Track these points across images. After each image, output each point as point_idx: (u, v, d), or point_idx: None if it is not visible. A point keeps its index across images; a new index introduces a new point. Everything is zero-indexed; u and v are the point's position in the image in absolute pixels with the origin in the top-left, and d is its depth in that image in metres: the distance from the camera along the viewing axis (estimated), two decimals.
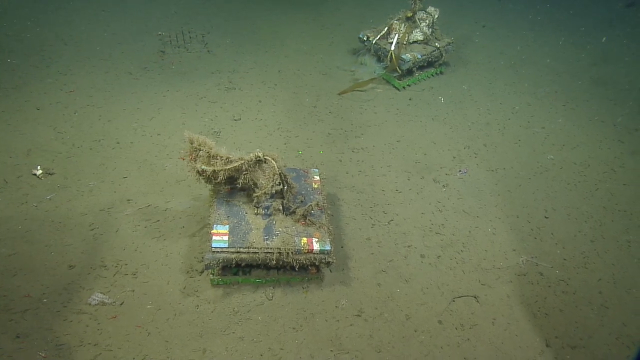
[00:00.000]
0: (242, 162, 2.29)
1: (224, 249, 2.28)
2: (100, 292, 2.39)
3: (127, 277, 2.48)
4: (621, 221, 3.13)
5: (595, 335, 2.45)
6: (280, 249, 2.31)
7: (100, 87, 3.82)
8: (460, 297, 2.58)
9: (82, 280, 2.43)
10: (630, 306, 2.60)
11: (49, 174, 3.01)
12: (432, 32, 4.34)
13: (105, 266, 2.52)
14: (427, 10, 4.28)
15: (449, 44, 4.36)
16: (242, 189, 2.49)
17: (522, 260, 2.81)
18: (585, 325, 2.49)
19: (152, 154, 3.27)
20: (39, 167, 3.01)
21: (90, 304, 2.33)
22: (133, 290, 2.42)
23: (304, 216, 2.44)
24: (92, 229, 2.70)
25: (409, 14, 4.18)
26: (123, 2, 4.99)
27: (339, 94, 4.05)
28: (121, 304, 2.36)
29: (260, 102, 3.88)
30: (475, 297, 2.59)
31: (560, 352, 2.36)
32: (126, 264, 2.54)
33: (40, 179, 2.97)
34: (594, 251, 2.90)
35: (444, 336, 2.39)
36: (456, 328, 2.43)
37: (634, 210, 3.21)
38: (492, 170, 3.47)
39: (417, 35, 4.28)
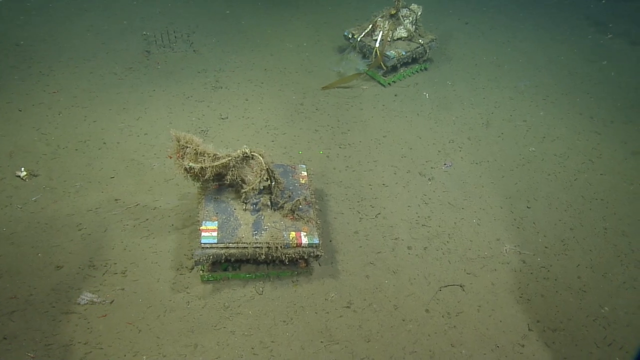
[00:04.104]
0: (230, 158, 2.31)
1: (213, 245, 2.30)
2: (90, 292, 2.38)
3: (116, 276, 2.48)
4: (598, 209, 3.25)
5: (574, 317, 2.55)
6: (269, 243, 2.34)
7: (84, 87, 3.79)
8: (446, 286, 2.65)
9: (70, 281, 2.42)
10: (606, 289, 2.72)
11: (34, 175, 2.98)
12: (416, 29, 4.41)
13: (94, 266, 2.51)
14: (411, 7, 4.35)
15: (432, 40, 4.44)
16: (230, 186, 2.52)
17: (506, 249, 2.90)
18: (565, 308, 2.59)
19: (139, 154, 3.26)
20: (22, 169, 2.98)
21: (79, 304, 2.33)
22: (123, 289, 2.43)
23: (292, 211, 2.48)
24: (80, 229, 2.69)
25: (393, 12, 4.25)
26: (106, 2, 4.93)
27: (323, 88, 4.10)
28: (111, 303, 2.36)
29: (247, 100, 3.90)
30: (461, 286, 2.66)
31: (541, 335, 2.46)
32: (115, 263, 2.54)
33: (25, 180, 2.94)
34: (573, 239, 3.01)
35: (431, 324, 2.46)
36: (443, 316, 2.50)
37: (610, 199, 3.34)
38: (476, 163, 3.56)
39: (401, 32, 4.35)
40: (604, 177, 3.53)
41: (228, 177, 2.37)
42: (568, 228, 3.08)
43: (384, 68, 4.25)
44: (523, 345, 2.40)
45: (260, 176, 2.34)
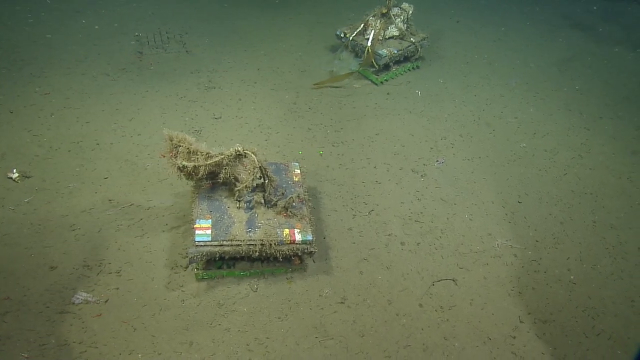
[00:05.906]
0: (222, 156, 2.33)
1: (208, 243, 2.32)
2: (84, 292, 2.39)
3: (111, 276, 2.49)
4: (588, 203, 3.30)
5: (564, 309, 2.60)
6: (262, 240, 2.36)
7: (77, 88, 3.78)
8: (439, 281, 2.69)
9: (64, 281, 2.42)
10: (594, 281, 2.77)
11: (26, 177, 2.97)
12: (407, 27, 4.45)
13: (88, 266, 2.52)
14: (402, 6, 4.39)
15: (424, 39, 4.49)
16: (224, 184, 2.53)
17: (498, 244, 2.94)
18: (555, 300, 2.64)
19: (132, 154, 3.26)
20: (14, 171, 2.97)
21: (73, 304, 2.33)
22: (117, 288, 2.43)
23: (286, 208, 2.50)
24: (74, 230, 2.69)
25: (384, 11, 4.28)
26: (98, 3, 4.92)
27: (315, 85, 4.13)
28: (106, 302, 2.36)
29: (240, 100, 3.91)
30: (453, 280, 2.70)
31: (532, 327, 2.50)
32: (110, 263, 2.55)
33: (17, 182, 2.93)
34: (563, 232, 3.06)
35: (425, 318, 2.49)
36: (436, 310, 2.54)
37: (599, 193, 3.39)
38: (468, 160, 3.60)
39: (393, 31, 4.38)
40: (593, 171, 3.59)
41: (221, 175, 2.38)
42: (558, 222, 3.13)
43: (376, 66, 4.28)
44: (514, 337, 2.44)
45: (253, 174, 2.36)
